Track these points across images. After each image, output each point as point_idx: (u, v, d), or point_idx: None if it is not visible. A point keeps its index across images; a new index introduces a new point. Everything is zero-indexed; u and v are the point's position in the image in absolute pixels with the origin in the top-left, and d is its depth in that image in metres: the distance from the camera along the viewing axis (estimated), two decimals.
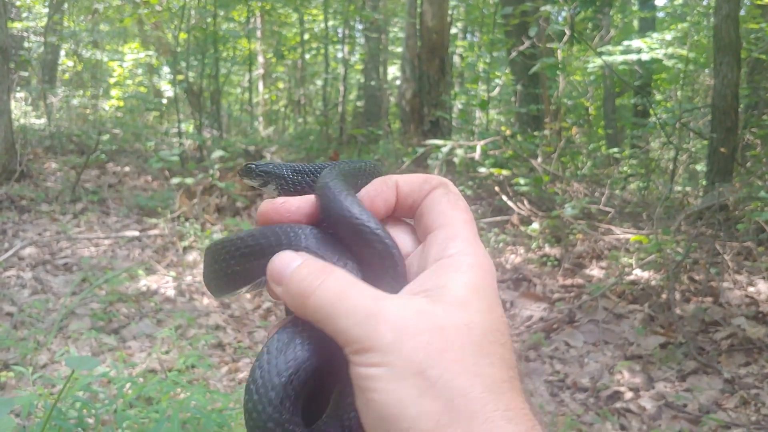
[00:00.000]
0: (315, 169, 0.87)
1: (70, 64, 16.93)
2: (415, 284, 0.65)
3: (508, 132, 9.97)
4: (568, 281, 6.54)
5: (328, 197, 0.71)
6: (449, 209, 0.69)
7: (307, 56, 17.69)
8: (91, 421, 3.27)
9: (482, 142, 8.50)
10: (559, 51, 9.16)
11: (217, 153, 9.14)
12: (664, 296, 5.69)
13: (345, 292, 0.62)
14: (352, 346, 0.59)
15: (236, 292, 0.78)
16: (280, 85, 19.82)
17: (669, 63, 11.11)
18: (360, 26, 16.75)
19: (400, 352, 0.57)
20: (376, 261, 0.69)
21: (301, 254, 0.68)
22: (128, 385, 3.73)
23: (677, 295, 5.73)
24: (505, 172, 8.45)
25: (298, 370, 0.63)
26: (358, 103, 18.43)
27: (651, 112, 10.41)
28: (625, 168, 10.82)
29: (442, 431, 0.55)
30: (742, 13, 8.80)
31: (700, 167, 10.66)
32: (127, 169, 10.82)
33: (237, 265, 0.74)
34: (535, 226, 7.51)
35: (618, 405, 4.36)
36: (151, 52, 15.21)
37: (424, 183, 0.72)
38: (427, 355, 0.57)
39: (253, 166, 0.91)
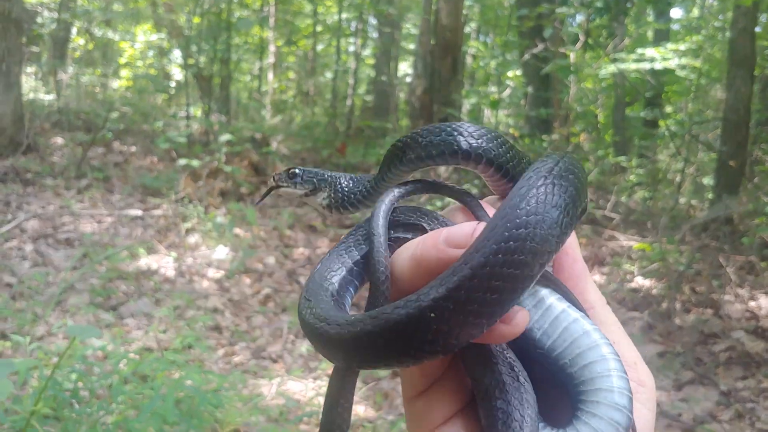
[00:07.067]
0: (370, 181, 0.81)
1: (82, 42, 16.90)
2: None
3: (516, 134, 9.95)
4: None
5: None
6: None
7: (319, 47, 17.66)
8: (85, 393, 3.26)
9: None
10: (572, 54, 9.14)
11: (225, 137, 9.12)
12: (664, 305, 5.67)
13: None
14: None
15: None
16: (290, 75, 19.79)
17: (681, 74, 11.06)
18: (374, 20, 16.73)
19: None
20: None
21: None
22: (124, 361, 3.72)
23: (678, 305, 5.71)
24: None
25: None
26: (367, 98, 18.41)
27: (661, 123, 10.39)
28: (631, 177, 10.79)
29: None
30: (758, 29, 8.76)
31: (707, 180, 10.63)
32: (133, 148, 10.80)
33: None
34: None
35: None
36: (162, 35, 15.19)
37: None
38: None
39: (299, 171, 0.82)
